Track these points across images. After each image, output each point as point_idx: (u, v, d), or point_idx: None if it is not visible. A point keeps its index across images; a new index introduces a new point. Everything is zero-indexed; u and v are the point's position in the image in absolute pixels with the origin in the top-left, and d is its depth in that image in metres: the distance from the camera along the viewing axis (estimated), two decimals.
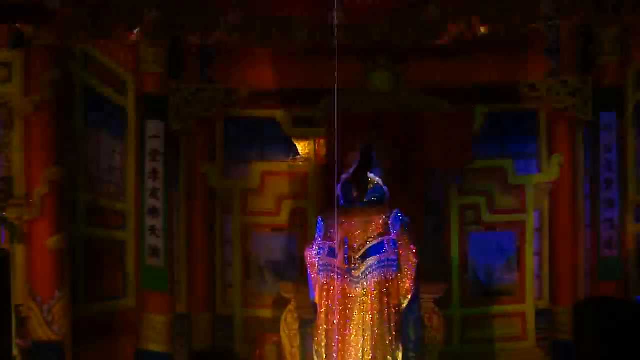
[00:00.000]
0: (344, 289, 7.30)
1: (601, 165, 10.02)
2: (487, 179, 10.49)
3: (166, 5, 9.11)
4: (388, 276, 7.33)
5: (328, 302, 7.32)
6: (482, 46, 9.86)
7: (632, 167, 9.93)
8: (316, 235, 7.65)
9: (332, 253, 7.40)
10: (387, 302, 7.28)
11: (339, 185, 7.70)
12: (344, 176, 7.70)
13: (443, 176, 10.44)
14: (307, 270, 7.73)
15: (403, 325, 7.33)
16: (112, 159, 9.98)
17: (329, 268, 7.38)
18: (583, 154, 10.29)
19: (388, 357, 7.23)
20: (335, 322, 7.30)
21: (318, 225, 7.65)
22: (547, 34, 10.16)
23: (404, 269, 7.37)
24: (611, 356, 8.75)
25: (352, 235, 7.39)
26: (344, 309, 7.28)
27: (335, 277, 7.33)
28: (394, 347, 7.27)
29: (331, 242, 7.38)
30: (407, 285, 7.38)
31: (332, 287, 7.36)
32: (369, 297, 7.27)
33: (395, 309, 7.30)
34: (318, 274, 7.44)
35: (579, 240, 10.28)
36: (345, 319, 7.28)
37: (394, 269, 7.35)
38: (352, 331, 7.26)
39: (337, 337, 7.26)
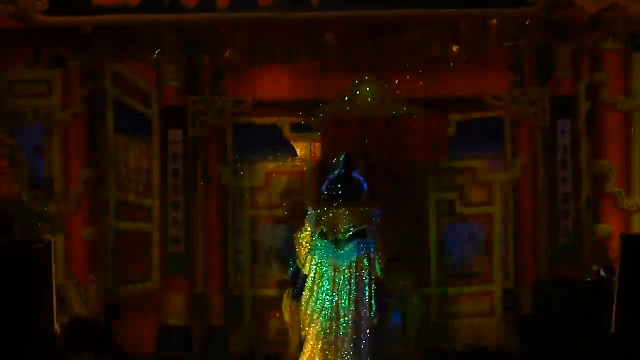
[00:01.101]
0: (333, 265, 7.68)
1: (558, 164, 10.08)
2: (460, 176, 10.50)
3: (183, 30, 9.18)
4: (369, 254, 7.78)
5: (317, 274, 7.67)
6: (454, 63, 9.86)
7: (584, 166, 9.82)
8: (306, 223, 7.89)
9: (322, 235, 7.73)
10: (368, 273, 7.73)
11: (326, 182, 7.96)
12: (330, 176, 7.91)
13: (422, 173, 10.46)
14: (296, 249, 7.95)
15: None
16: (140, 161, 10.07)
17: (321, 248, 7.72)
18: (542, 155, 10.27)
19: (367, 312, 7.70)
20: (329, 289, 7.68)
21: (308, 215, 7.87)
22: (510, 52, 10.19)
23: (379, 250, 7.84)
24: (567, 328, 8.81)
25: (339, 222, 7.75)
26: (334, 280, 7.65)
27: (327, 254, 7.71)
28: (371, 306, 7.74)
29: (321, 227, 7.76)
30: (381, 261, 7.87)
31: (323, 263, 7.70)
32: (353, 269, 7.66)
33: (372, 278, 7.75)
34: (310, 253, 7.78)
35: (540, 229, 10.28)
36: (334, 287, 7.64)
37: (372, 249, 7.79)
38: (341, 295, 7.62)
39: (327, 301, 7.66)
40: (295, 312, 9.24)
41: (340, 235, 7.78)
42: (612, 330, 6.93)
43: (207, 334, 10.39)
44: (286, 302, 9.51)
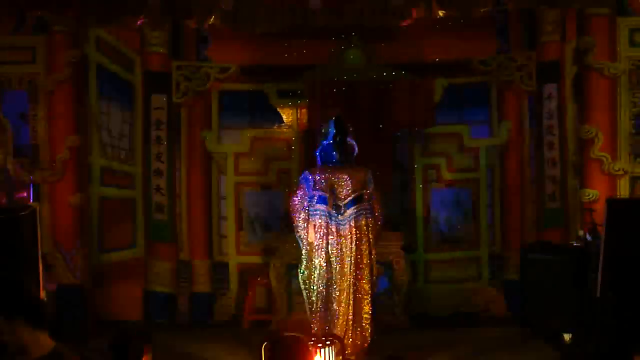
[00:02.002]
0: (337, 229, 7.77)
1: (544, 130, 10.21)
2: (446, 142, 10.70)
3: None
4: (367, 219, 7.88)
5: (322, 239, 7.77)
6: (440, 28, 9.93)
7: (570, 131, 9.92)
8: (303, 186, 7.88)
9: (321, 201, 7.78)
10: (367, 237, 7.84)
11: (320, 148, 7.98)
12: (325, 142, 7.95)
13: (409, 139, 10.61)
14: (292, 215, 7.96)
15: None
16: (122, 128, 10.07)
17: (322, 213, 7.78)
18: (528, 120, 10.43)
19: (368, 274, 7.85)
20: (332, 253, 7.77)
21: (304, 178, 7.87)
22: (497, 17, 10.25)
23: (376, 214, 7.97)
24: (553, 292, 8.82)
25: (339, 187, 7.81)
26: (338, 244, 7.76)
27: (328, 220, 7.77)
28: (371, 268, 7.90)
29: (321, 192, 7.79)
30: (378, 226, 8.00)
31: (326, 228, 7.79)
32: (354, 234, 7.76)
33: (371, 241, 7.89)
34: (310, 217, 7.83)
35: (526, 194, 10.46)
36: (339, 251, 7.75)
37: (370, 215, 7.89)
38: (345, 260, 7.73)
39: (333, 266, 7.76)
40: (283, 278, 9.62)
41: (339, 201, 7.85)
42: (597, 293, 7.25)
43: (192, 300, 10.51)
44: (274, 269, 9.70)
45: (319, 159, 8.04)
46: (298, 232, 7.91)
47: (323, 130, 8.15)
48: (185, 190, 10.67)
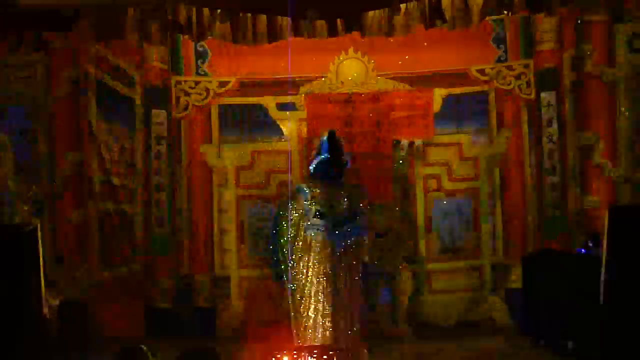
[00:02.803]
0: (332, 245, 7.67)
1: (544, 137, 10.23)
2: (446, 151, 10.70)
3: (166, 15, 9.21)
4: (362, 236, 7.85)
5: (309, 255, 7.67)
6: (439, 39, 10.10)
7: (570, 138, 9.96)
8: (299, 200, 7.74)
9: (318, 215, 7.65)
10: (360, 254, 7.81)
11: (315, 163, 7.84)
12: (320, 157, 7.82)
13: (409, 149, 10.60)
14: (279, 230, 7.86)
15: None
16: (123, 143, 10.09)
17: (320, 227, 7.66)
18: (528, 128, 10.45)
19: (357, 293, 7.78)
20: (326, 268, 7.64)
21: (301, 191, 7.74)
22: (495, 26, 10.35)
23: (368, 232, 8.00)
24: (555, 302, 8.73)
25: (335, 203, 7.73)
26: (332, 260, 7.66)
27: (325, 235, 7.66)
28: (360, 286, 7.84)
29: (318, 207, 7.67)
30: (368, 242, 8.02)
31: (322, 243, 7.68)
32: (348, 251, 7.71)
33: (364, 258, 7.87)
34: (306, 231, 7.68)
35: (527, 202, 10.46)
36: (330, 269, 7.63)
37: (364, 232, 7.87)
38: (336, 277, 7.64)
39: (320, 284, 7.64)
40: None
41: (337, 217, 7.74)
42: (602, 301, 7.07)
43: (195, 315, 10.51)
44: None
45: (312, 172, 7.95)
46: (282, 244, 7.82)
47: (316, 145, 8.09)
48: (186, 204, 10.71)
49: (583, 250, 9.07)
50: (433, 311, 10.47)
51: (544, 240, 10.26)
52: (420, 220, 10.70)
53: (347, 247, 7.71)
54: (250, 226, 10.74)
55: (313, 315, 7.60)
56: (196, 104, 10.66)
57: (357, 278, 7.76)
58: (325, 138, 7.87)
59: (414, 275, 10.20)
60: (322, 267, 7.64)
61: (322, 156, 7.83)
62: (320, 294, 7.61)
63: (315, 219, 7.68)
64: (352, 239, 7.73)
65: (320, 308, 7.60)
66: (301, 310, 7.65)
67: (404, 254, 10.00)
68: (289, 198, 7.84)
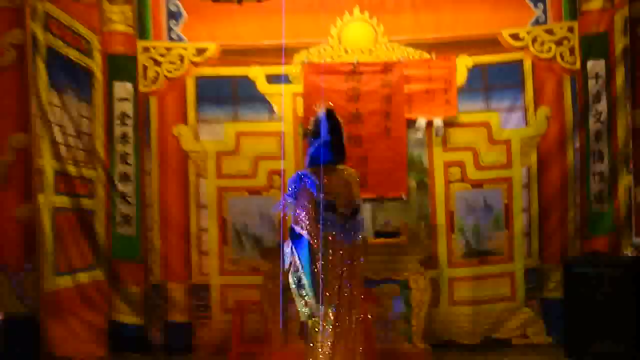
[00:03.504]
0: (341, 242, 7.68)
1: (590, 116, 10.20)
2: (472, 134, 10.61)
3: None
4: (364, 232, 7.91)
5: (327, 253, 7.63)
6: None
7: (622, 117, 9.93)
8: (310, 192, 7.59)
9: (330, 208, 7.63)
10: (360, 254, 7.81)
11: (314, 146, 7.82)
12: (318, 140, 7.77)
13: (426, 131, 10.53)
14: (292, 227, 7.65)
15: None
16: (80, 123, 9.92)
17: (331, 222, 7.65)
18: (571, 105, 10.39)
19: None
20: (338, 270, 7.66)
21: (311, 182, 7.61)
22: None
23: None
24: (602, 315, 8.89)
25: (341, 194, 7.71)
26: (342, 258, 7.67)
27: (335, 231, 7.67)
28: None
29: (329, 198, 7.64)
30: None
31: (333, 241, 7.67)
32: (352, 249, 7.72)
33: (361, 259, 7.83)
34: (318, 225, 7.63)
35: (569, 196, 10.41)
36: (343, 267, 7.67)
37: (363, 229, 7.91)
38: (346, 275, 7.67)
39: (340, 282, 7.66)
40: (277, 302, 9.19)
41: (342, 209, 7.74)
42: None
43: (167, 331, 10.50)
44: (266, 292, 9.48)
45: (312, 158, 7.85)
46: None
47: (310, 127, 7.98)
48: (157, 197, 10.65)
49: None
50: (456, 326, 10.44)
51: (588, 240, 10.25)
52: (441, 216, 10.62)
53: (356, 244, 7.75)
54: (234, 224, 10.62)
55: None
56: (168, 75, 10.55)
57: (360, 286, 7.77)
58: (321, 116, 7.81)
59: (432, 283, 9.94)
60: (333, 274, 7.64)
61: (322, 139, 7.77)
62: (315, 301, 7.55)
63: (325, 212, 7.57)
64: (361, 232, 7.83)
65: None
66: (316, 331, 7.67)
67: (421, 257, 9.72)
68: (292, 190, 7.66)
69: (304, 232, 7.51)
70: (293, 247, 7.51)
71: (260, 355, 9.51)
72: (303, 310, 7.55)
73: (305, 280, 7.47)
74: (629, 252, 9.55)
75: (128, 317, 10.35)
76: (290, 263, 7.55)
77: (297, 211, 7.58)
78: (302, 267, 7.47)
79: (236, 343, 9.79)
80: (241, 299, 10.27)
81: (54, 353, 9.04)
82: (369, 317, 7.85)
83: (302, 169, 7.89)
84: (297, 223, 7.56)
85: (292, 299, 8.12)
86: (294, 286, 7.51)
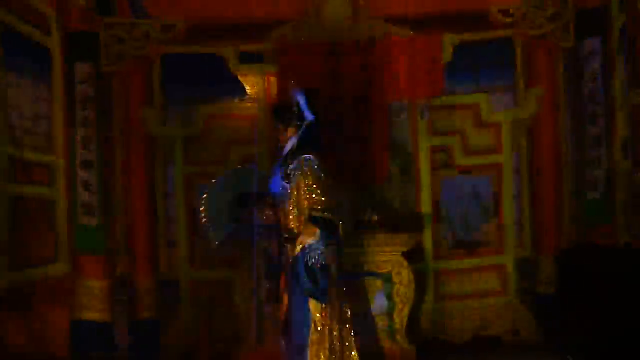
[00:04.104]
0: None
1: (585, 98, 10.20)
2: (459, 116, 10.63)
3: None
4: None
5: None
6: None
7: (619, 99, 9.83)
8: (318, 172, 7.52)
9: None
10: None
11: (302, 130, 7.75)
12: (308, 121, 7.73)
13: (410, 113, 10.55)
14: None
15: None
16: (38, 107, 9.81)
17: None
18: (565, 85, 10.45)
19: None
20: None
21: (316, 166, 7.51)
22: None
23: None
24: (599, 310, 8.84)
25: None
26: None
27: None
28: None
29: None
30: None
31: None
32: None
33: None
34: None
35: (563, 182, 10.48)
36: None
37: None
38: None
39: None
40: (251, 299, 9.15)
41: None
42: None
43: (134, 330, 10.51)
44: (240, 286, 9.57)
45: (299, 145, 7.75)
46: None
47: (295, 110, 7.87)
48: (122, 186, 10.65)
49: None
50: (442, 323, 10.50)
51: (584, 230, 10.28)
52: (426, 206, 10.63)
53: None
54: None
55: None
56: (133, 54, 10.52)
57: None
58: (300, 97, 7.77)
59: (417, 277, 9.97)
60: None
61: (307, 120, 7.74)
62: None
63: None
64: None
65: None
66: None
67: (404, 249, 9.76)
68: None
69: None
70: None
71: (233, 356, 9.58)
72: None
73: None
74: (626, 243, 9.47)
75: (91, 315, 10.30)
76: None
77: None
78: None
79: (206, 343, 9.97)
80: (213, 294, 10.30)
81: (10, 354, 8.94)
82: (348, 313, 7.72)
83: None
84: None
85: (267, 296, 8.48)
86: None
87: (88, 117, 10.38)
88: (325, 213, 7.38)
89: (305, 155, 7.55)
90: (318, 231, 7.35)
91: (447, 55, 10.51)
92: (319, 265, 7.41)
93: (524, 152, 10.65)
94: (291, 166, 7.55)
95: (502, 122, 10.64)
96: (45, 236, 9.99)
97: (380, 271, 9.51)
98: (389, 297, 9.70)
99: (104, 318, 10.37)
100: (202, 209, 7.92)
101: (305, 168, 7.46)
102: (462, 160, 10.70)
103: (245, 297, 9.52)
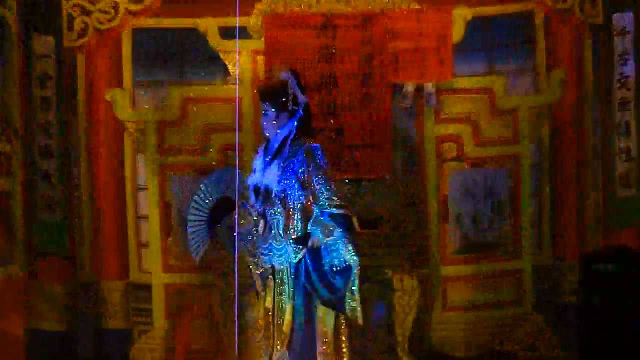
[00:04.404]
0: None
1: (615, 82, 10.03)
2: (470, 102, 10.44)
3: None
4: None
5: None
6: None
7: None
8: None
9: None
10: None
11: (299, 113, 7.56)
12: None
13: (415, 99, 10.29)
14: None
15: None
16: None
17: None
18: (592, 67, 10.34)
19: None
20: None
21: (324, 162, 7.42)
22: None
23: None
24: (629, 323, 8.74)
25: None
26: None
27: None
28: None
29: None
30: None
31: None
32: None
33: None
34: None
35: (588, 178, 10.40)
36: None
37: None
38: None
39: None
40: (231, 306, 9.28)
41: None
42: None
43: (100, 341, 10.40)
44: (218, 293, 9.58)
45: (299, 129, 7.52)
46: None
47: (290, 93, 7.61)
48: (87, 177, 10.46)
49: None
50: (450, 336, 10.31)
51: (611, 232, 10.21)
52: (432, 202, 10.41)
53: None
54: (179, 210, 10.21)
55: None
56: (99, 27, 10.20)
57: None
58: (291, 77, 7.54)
59: (422, 284, 9.91)
60: None
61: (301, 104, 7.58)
62: None
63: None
64: None
65: None
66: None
67: (407, 252, 9.70)
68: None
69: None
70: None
71: None
72: None
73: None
74: None
75: (51, 324, 10.01)
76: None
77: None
78: None
79: (182, 356, 9.94)
80: (189, 301, 10.10)
81: None
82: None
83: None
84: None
85: (249, 302, 8.33)
86: None
87: (47, 98, 10.07)
88: (341, 208, 7.25)
89: (311, 144, 7.41)
90: (336, 229, 7.17)
91: (458, 31, 10.25)
92: (338, 269, 7.25)
93: (545, 143, 10.46)
94: (295, 158, 7.33)
95: (520, 109, 10.40)
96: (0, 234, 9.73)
97: (379, 277, 9.36)
98: (390, 307, 9.64)
99: (64, 327, 10.07)
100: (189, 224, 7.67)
101: (315, 159, 7.29)
102: (473, 152, 10.46)
103: (225, 304, 9.50)
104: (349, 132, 10.10)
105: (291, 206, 7.29)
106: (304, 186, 7.28)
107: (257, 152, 7.63)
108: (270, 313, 7.52)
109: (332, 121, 9.98)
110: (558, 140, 10.43)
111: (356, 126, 10.13)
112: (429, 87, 10.24)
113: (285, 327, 7.43)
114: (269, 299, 7.55)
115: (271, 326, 7.51)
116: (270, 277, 7.47)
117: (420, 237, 10.15)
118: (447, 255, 10.38)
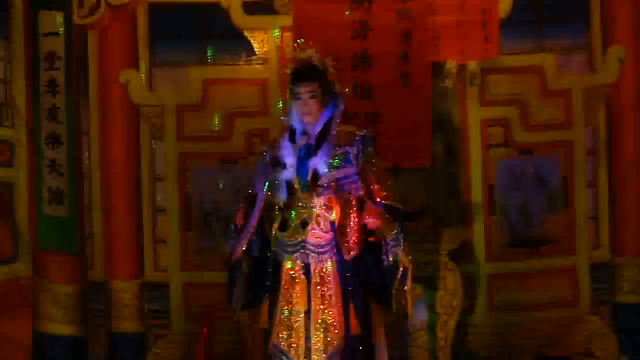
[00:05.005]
0: None
1: None
2: (518, 81, 10.34)
3: None
4: None
5: None
6: None
7: None
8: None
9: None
10: None
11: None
12: None
13: (458, 79, 10.18)
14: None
15: None
16: None
17: None
18: None
19: None
20: None
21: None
22: None
23: None
24: None
25: None
26: None
27: None
28: None
29: None
30: None
31: None
32: None
33: None
34: None
35: None
36: None
37: None
38: None
39: None
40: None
41: None
42: None
43: (112, 345, 10.28)
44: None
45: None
46: None
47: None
48: (98, 167, 10.33)
49: None
50: (496, 340, 10.23)
51: None
52: (477, 193, 10.34)
53: None
54: (201, 202, 10.35)
55: None
56: (113, 2, 10.07)
57: None
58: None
59: (465, 282, 9.94)
60: None
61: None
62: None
63: None
64: None
65: None
66: None
67: (450, 247, 9.71)
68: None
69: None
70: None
71: None
72: None
73: None
74: None
75: (59, 327, 10.06)
76: None
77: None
78: None
79: None
80: (210, 302, 9.66)
81: None
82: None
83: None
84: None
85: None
86: None
87: (56, 79, 10.06)
88: (394, 201, 7.15)
89: (366, 132, 7.35)
90: (397, 223, 7.04)
91: (505, 5, 10.11)
92: (401, 267, 7.13)
93: (601, 127, 10.37)
94: (349, 145, 7.21)
95: (573, 90, 10.30)
96: (2, 228, 9.98)
97: (420, 275, 8.91)
98: (431, 307, 9.70)
99: (74, 331, 10.08)
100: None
101: (370, 148, 7.23)
102: (522, 137, 10.36)
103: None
104: (384, 117, 10.00)
105: (348, 197, 7.13)
106: (361, 176, 7.16)
107: (280, 145, 7.33)
108: (301, 316, 7.32)
109: (366, 104, 9.87)
110: (616, 124, 10.33)
111: (393, 110, 10.02)
112: (473, 66, 10.13)
113: (335, 336, 7.22)
114: (300, 302, 7.36)
115: (303, 330, 7.31)
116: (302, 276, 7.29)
117: (464, 231, 10.15)
118: (492, 251, 10.29)
